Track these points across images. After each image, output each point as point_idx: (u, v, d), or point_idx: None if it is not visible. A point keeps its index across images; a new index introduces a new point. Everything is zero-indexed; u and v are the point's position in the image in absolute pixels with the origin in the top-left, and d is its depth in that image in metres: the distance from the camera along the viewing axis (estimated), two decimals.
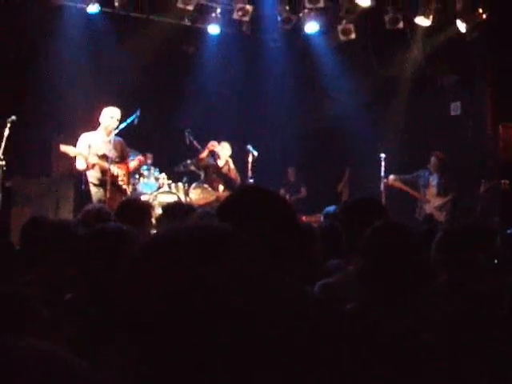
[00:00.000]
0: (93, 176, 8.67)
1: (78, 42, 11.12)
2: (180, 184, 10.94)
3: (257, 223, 2.19)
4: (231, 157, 10.96)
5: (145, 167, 10.97)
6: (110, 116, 8.78)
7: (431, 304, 2.89)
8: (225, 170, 10.88)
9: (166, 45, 11.94)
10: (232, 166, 10.89)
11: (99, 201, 8.34)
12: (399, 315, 2.67)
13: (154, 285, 1.11)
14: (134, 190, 10.73)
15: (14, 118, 8.41)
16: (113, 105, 9.71)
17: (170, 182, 10.83)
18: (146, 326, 1.10)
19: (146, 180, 10.81)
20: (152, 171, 10.94)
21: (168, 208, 4.77)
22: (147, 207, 5.22)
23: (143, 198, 10.38)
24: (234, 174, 10.82)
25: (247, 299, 1.11)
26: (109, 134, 8.72)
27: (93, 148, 8.53)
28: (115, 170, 8.70)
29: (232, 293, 1.10)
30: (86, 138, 8.60)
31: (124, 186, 8.91)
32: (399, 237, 2.84)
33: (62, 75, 10.83)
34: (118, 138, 8.92)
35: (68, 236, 3.85)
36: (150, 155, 11.75)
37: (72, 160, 8.70)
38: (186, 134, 11.18)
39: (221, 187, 10.64)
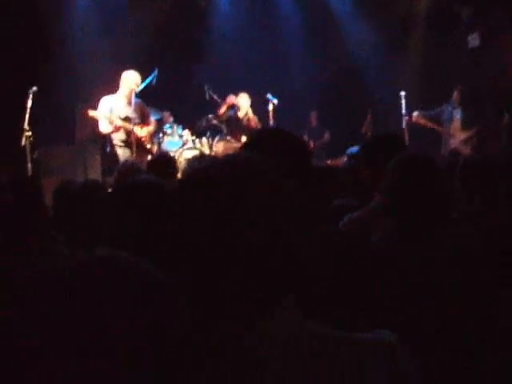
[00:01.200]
0: (118, 138, 8.77)
1: (90, 7, 11.13)
2: (204, 139, 11.01)
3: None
4: (251, 106, 10.97)
5: (167, 125, 11.05)
6: (129, 80, 8.82)
7: (455, 234, 2.92)
8: (245, 120, 10.91)
9: (178, 1, 11.89)
10: (252, 115, 10.91)
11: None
12: (424, 246, 2.72)
13: (194, 217, 1.20)
14: (159, 148, 10.85)
15: (35, 88, 8.49)
16: (130, 66, 9.75)
17: (194, 137, 10.90)
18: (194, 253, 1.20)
19: (170, 138, 10.88)
20: (175, 129, 11.00)
21: (192, 160, 4.83)
22: (173, 160, 5.36)
23: None
24: (254, 122, 10.84)
25: (276, 231, 1.20)
26: (129, 97, 8.78)
27: (115, 111, 8.60)
28: (138, 130, 8.81)
29: (261, 224, 1.18)
30: (107, 102, 8.68)
31: (148, 146, 9.06)
32: (422, 165, 2.85)
33: (77, 42, 10.87)
34: (138, 100, 9.00)
35: (98, 194, 3.95)
36: (167, 113, 11.84)
37: (95, 124, 8.80)
38: (206, 88, 11.21)
39: (243, 138, 10.66)
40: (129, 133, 8.67)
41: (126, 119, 8.66)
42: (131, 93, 8.76)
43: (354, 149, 6.14)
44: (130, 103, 8.73)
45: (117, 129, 8.61)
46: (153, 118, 10.14)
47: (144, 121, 9.03)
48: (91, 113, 8.52)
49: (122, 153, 8.74)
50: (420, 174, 2.81)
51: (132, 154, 8.62)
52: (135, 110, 8.78)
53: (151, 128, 9.15)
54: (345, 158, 10.12)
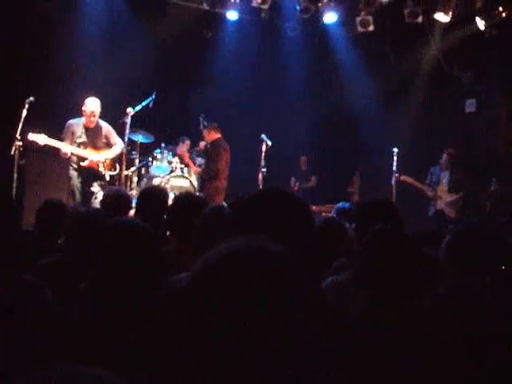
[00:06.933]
0: (72, 161, 9.01)
1: (97, 24, 11.14)
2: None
3: (276, 225, 2.26)
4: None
5: (158, 150, 11.05)
6: (87, 107, 9.00)
7: (435, 309, 2.93)
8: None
9: (184, 29, 11.95)
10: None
11: (80, 184, 8.97)
12: (397, 320, 2.73)
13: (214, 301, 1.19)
14: (147, 172, 10.83)
15: (31, 98, 8.53)
16: (130, 86, 9.77)
17: (183, 166, 10.88)
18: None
19: (158, 163, 10.88)
20: (165, 155, 11.00)
21: (179, 201, 4.71)
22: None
23: (155, 180, 10.48)
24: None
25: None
26: (90, 122, 9.01)
27: (75, 136, 8.94)
28: (93, 155, 9.01)
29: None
30: (70, 126, 9.00)
31: (104, 172, 9.14)
32: (394, 243, 2.89)
33: (80, 57, 10.87)
34: (104, 125, 9.23)
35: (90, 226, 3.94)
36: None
37: None
38: (201, 119, 11.20)
39: None
40: (81, 158, 8.95)
41: (82, 144, 8.95)
42: (88, 118, 8.97)
43: (343, 205, 6.16)
44: (87, 129, 9.01)
45: (70, 155, 8.85)
46: (141, 140, 10.52)
47: (108, 146, 9.20)
48: (31, 136, 8.59)
49: (74, 175, 9.04)
50: (391, 252, 2.84)
51: (83, 178, 8.99)
52: (98, 135, 9.08)
53: (110, 153, 9.21)
54: (329, 208, 10.19)
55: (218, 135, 10.44)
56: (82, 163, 8.92)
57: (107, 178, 9.14)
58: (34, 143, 8.62)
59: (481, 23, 10.57)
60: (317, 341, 1.22)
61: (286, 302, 1.19)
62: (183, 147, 11.78)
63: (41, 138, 8.60)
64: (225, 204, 6.73)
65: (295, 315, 1.19)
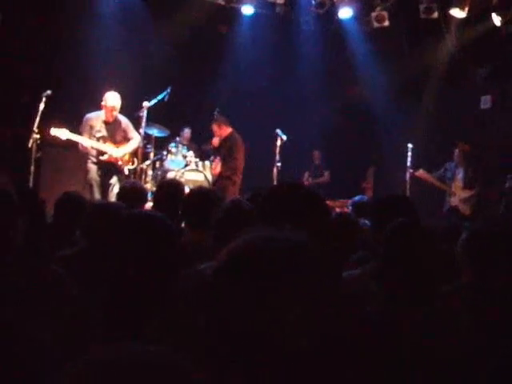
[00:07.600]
0: (90, 154, 9.01)
1: (114, 19, 11.19)
2: (207, 162, 11.02)
3: (294, 219, 2.30)
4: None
5: (173, 144, 11.08)
6: (107, 101, 8.99)
7: (450, 306, 2.94)
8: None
9: (200, 23, 11.96)
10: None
11: (99, 177, 8.96)
12: (414, 316, 2.74)
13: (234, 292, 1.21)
14: (161, 166, 10.88)
15: (49, 92, 8.59)
16: (145, 80, 9.79)
17: (198, 160, 10.91)
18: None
19: (173, 157, 10.92)
20: (180, 148, 11.04)
21: (195, 194, 4.75)
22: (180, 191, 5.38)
23: (170, 174, 10.52)
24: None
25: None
26: (111, 117, 9.01)
27: (94, 130, 8.92)
28: (112, 150, 9.00)
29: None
30: (89, 120, 8.97)
31: (123, 167, 9.18)
32: (414, 238, 2.90)
33: (97, 51, 10.90)
34: (123, 119, 9.21)
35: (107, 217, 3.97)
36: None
37: None
38: (215, 113, 11.22)
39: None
40: (101, 153, 8.95)
41: (102, 138, 8.94)
42: (109, 113, 8.97)
43: (361, 198, 6.16)
44: (106, 123, 9.01)
45: (90, 149, 8.88)
46: (156, 134, 10.67)
47: (126, 140, 9.19)
48: (53, 131, 8.65)
49: (93, 169, 9.02)
50: (411, 246, 2.85)
51: (101, 172, 8.99)
52: (117, 129, 9.09)
53: (128, 147, 9.21)
54: (344, 202, 10.19)
55: (230, 129, 10.42)
56: (101, 157, 8.94)
57: (126, 172, 9.20)
58: (51, 137, 8.67)
59: (497, 19, 10.51)
60: (336, 331, 1.24)
61: (311, 290, 1.20)
62: (184, 136, 11.89)
63: (63, 133, 8.65)
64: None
65: (320, 304, 1.20)
